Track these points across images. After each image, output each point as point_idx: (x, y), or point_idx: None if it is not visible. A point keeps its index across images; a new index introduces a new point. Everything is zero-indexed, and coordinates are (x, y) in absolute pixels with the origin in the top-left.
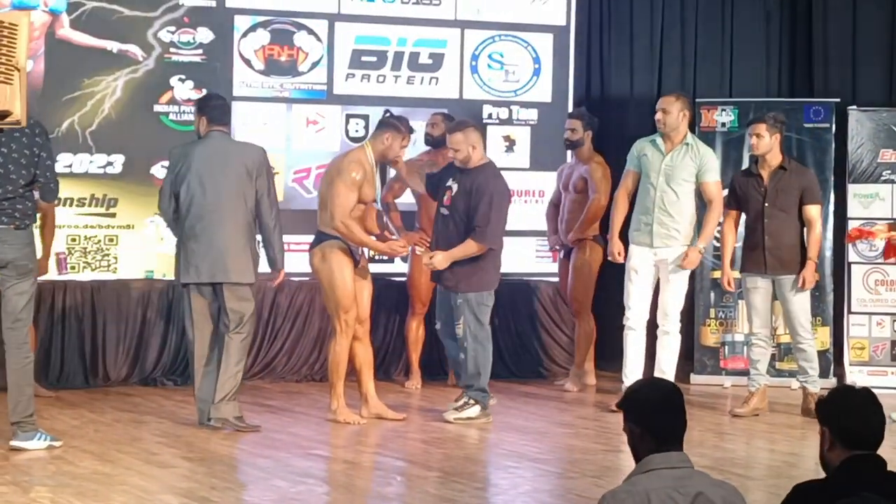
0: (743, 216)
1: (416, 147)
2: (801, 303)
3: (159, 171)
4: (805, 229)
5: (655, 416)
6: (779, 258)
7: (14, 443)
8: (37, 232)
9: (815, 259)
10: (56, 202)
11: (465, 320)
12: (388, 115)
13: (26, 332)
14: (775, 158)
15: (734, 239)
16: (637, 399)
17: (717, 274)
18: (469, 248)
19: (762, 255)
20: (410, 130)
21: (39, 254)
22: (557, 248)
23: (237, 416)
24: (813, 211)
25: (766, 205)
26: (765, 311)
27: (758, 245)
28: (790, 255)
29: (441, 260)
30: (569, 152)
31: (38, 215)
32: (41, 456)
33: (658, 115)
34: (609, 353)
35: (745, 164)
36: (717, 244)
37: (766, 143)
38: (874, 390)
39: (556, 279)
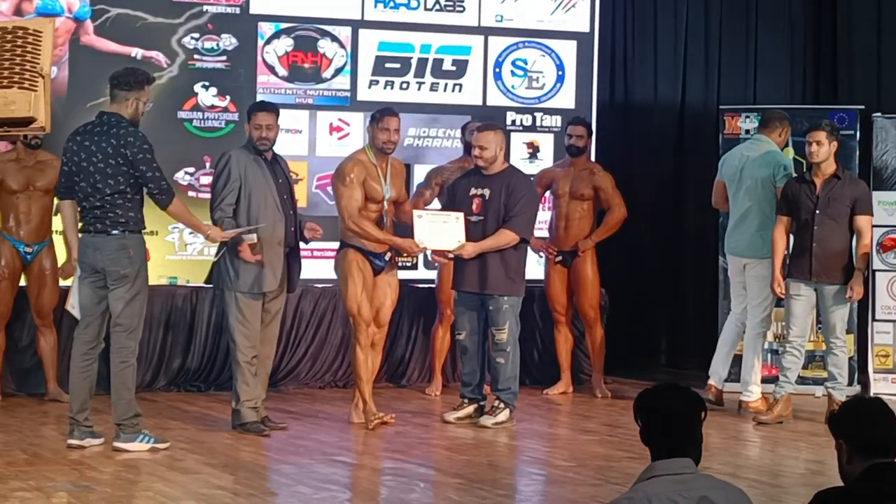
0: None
1: (439, 152)
2: (842, 313)
3: (183, 177)
4: (854, 240)
5: (658, 421)
6: (825, 265)
7: (115, 443)
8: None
9: (864, 270)
10: (171, 204)
11: (510, 324)
12: None
13: (125, 337)
14: (830, 167)
15: (785, 244)
16: (652, 402)
17: None
18: (502, 237)
19: (808, 261)
20: (388, 113)
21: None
22: (553, 254)
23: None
24: (864, 222)
25: (818, 212)
26: (803, 320)
27: (805, 251)
28: (837, 264)
29: (470, 250)
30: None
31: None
32: (64, 461)
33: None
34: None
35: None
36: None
37: (825, 150)
38: None
39: None
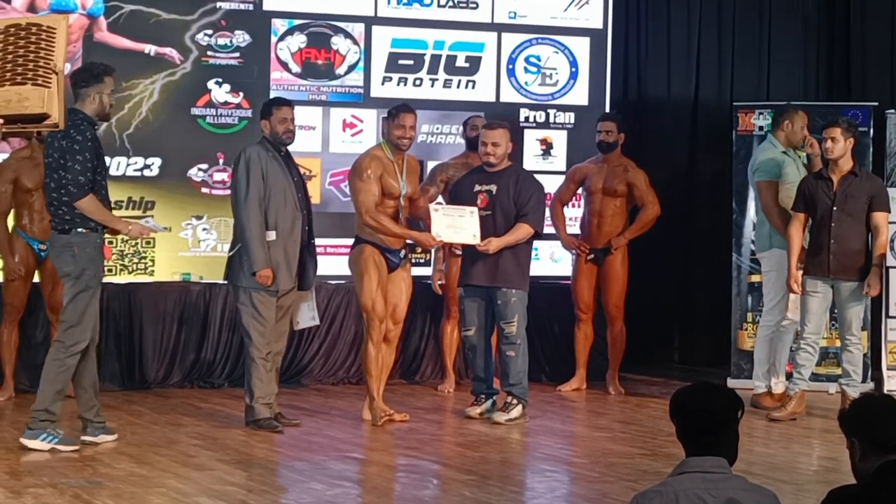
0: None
1: (453, 148)
2: (858, 310)
3: (196, 173)
4: (871, 236)
5: (690, 420)
6: (843, 262)
7: (21, 439)
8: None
9: (881, 266)
10: (82, 200)
11: (519, 317)
12: None
13: (62, 331)
14: (847, 163)
15: (801, 241)
16: (687, 400)
17: (754, 278)
18: (521, 231)
19: (826, 258)
20: (404, 109)
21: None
22: (586, 252)
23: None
24: (881, 218)
25: (835, 209)
26: (819, 317)
27: (823, 248)
28: (854, 261)
29: (496, 245)
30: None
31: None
32: (78, 458)
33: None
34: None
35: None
36: (753, 246)
37: (840, 147)
38: None
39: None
